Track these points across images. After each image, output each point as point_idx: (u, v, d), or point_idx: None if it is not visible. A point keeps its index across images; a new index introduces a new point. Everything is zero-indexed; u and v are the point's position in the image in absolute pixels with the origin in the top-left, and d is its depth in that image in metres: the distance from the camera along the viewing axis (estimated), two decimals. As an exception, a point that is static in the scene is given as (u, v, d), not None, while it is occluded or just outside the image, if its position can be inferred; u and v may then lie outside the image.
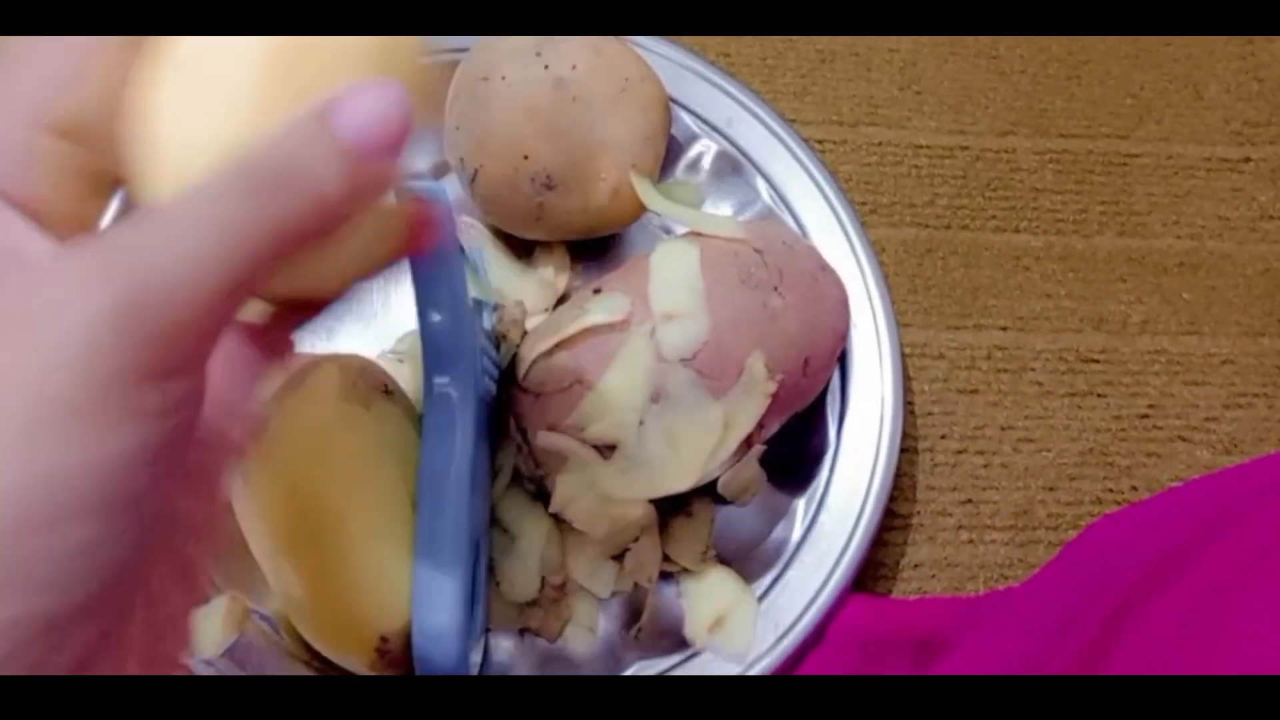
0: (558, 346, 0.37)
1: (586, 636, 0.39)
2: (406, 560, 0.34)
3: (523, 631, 0.39)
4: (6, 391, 0.18)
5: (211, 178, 0.19)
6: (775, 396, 0.38)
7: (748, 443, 0.38)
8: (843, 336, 0.41)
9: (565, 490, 0.37)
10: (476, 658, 0.37)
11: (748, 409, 0.37)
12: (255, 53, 0.20)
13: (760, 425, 0.38)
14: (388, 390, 0.37)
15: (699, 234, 0.40)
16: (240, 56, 0.20)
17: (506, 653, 0.39)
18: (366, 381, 0.36)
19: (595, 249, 0.46)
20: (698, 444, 0.37)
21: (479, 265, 0.41)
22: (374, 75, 0.20)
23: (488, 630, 0.39)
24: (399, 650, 0.34)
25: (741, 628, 0.38)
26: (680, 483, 0.37)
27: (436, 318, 0.35)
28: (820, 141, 0.50)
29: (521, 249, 0.45)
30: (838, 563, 0.40)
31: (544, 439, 0.37)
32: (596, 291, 0.39)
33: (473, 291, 0.36)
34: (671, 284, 0.38)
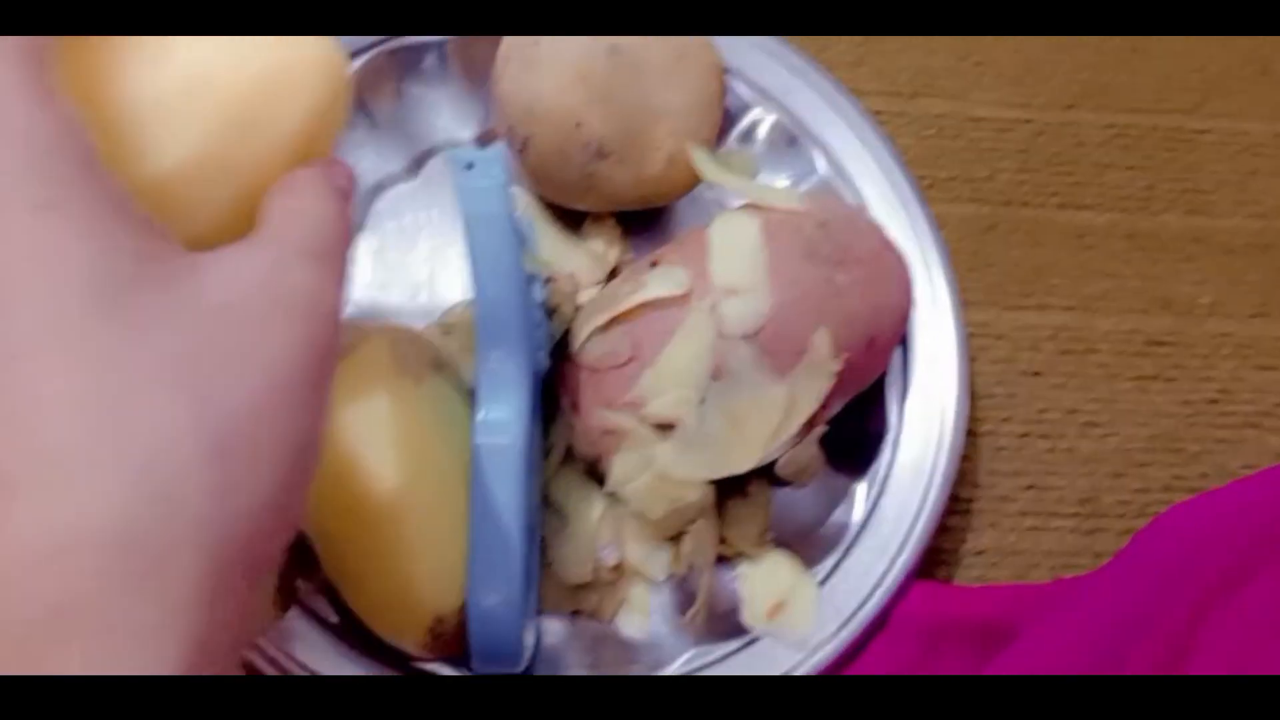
0: (614, 321, 0.36)
1: (640, 620, 0.38)
2: (461, 539, 0.33)
3: (574, 614, 0.38)
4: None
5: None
6: (839, 376, 0.36)
7: (810, 424, 0.37)
8: (907, 314, 0.40)
9: (622, 470, 0.36)
10: (530, 640, 0.35)
11: (812, 389, 0.36)
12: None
13: (823, 405, 0.37)
14: (438, 364, 0.36)
15: (758, 206, 0.39)
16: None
17: (557, 636, 0.38)
18: (417, 355, 0.35)
19: (645, 221, 0.44)
20: (760, 424, 0.35)
21: (529, 237, 0.39)
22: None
23: (539, 612, 0.37)
24: (452, 631, 0.33)
25: (803, 613, 0.37)
26: (741, 464, 0.36)
27: (491, 290, 0.33)
28: (877, 113, 0.48)
29: (570, 221, 0.43)
30: (901, 548, 0.38)
31: (600, 417, 0.36)
32: (653, 265, 0.37)
33: (525, 264, 0.35)
34: (732, 257, 0.36)
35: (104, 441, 0.19)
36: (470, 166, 0.32)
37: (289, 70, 0.25)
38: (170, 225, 0.22)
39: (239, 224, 0.24)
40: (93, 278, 0.20)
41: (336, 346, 0.23)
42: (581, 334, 0.36)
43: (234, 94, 0.24)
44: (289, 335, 0.22)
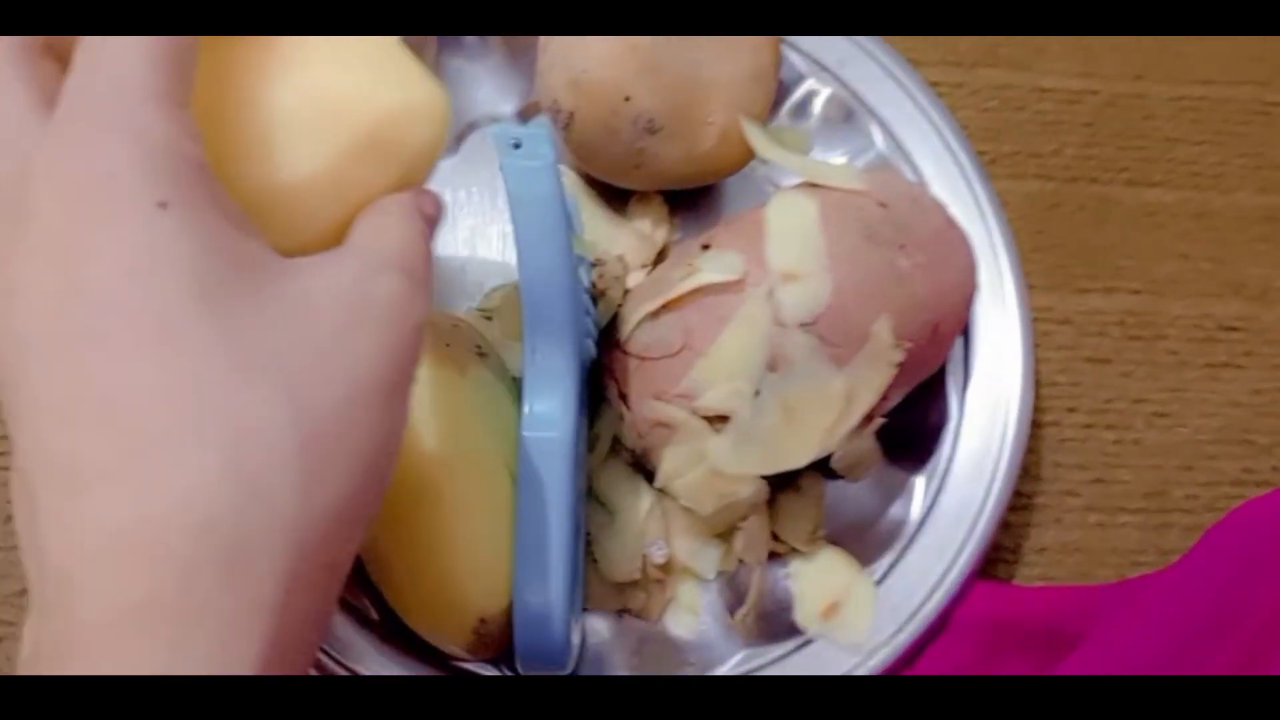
0: (664, 307, 0.34)
1: (688, 619, 0.36)
2: (507, 537, 0.32)
3: (620, 613, 0.36)
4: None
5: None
6: (901, 365, 0.34)
7: (869, 417, 0.35)
8: (971, 300, 0.38)
9: (672, 464, 0.34)
10: (576, 640, 0.34)
11: (872, 380, 0.34)
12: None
13: (884, 397, 0.35)
14: (481, 352, 0.34)
15: (815, 185, 0.36)
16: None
17: (602, 635, 0.36)
18: (460, 343, 0.33)
19: (692, 200, 0.42)
20: (817, 417, 0.34)
21: (576, 218, 0.38)
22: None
23: (584, 610, 0.36)
24: (497, 632, 0.32)
25: (859, 614, 0.36)
26: (798, 459, 0.34)
27: (539, 276, 0.31)
28: (936, 84, 0.46)
29: (614, 199, 0.41)
30: (962, 546, 0.37)
31: (650, 408, 0.34)
32: (705, 247, 0.35)
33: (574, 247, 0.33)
34: (790, 240, 0.34)
35: (197, 432, 0.20)
36: (517, 145, 0.30)
37: (410, 108, 0.27)
38: (275, 233, 0.24)
39: (333, 242, 0.25)
40: (195, 275, 0.21)
41: (418, 356, 0.24)
42: (630, 321, 0.35)
43: (363, 123, 0.26)
44: (376, 341, 0.23)
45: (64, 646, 0.20)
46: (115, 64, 0.22)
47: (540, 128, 0.31)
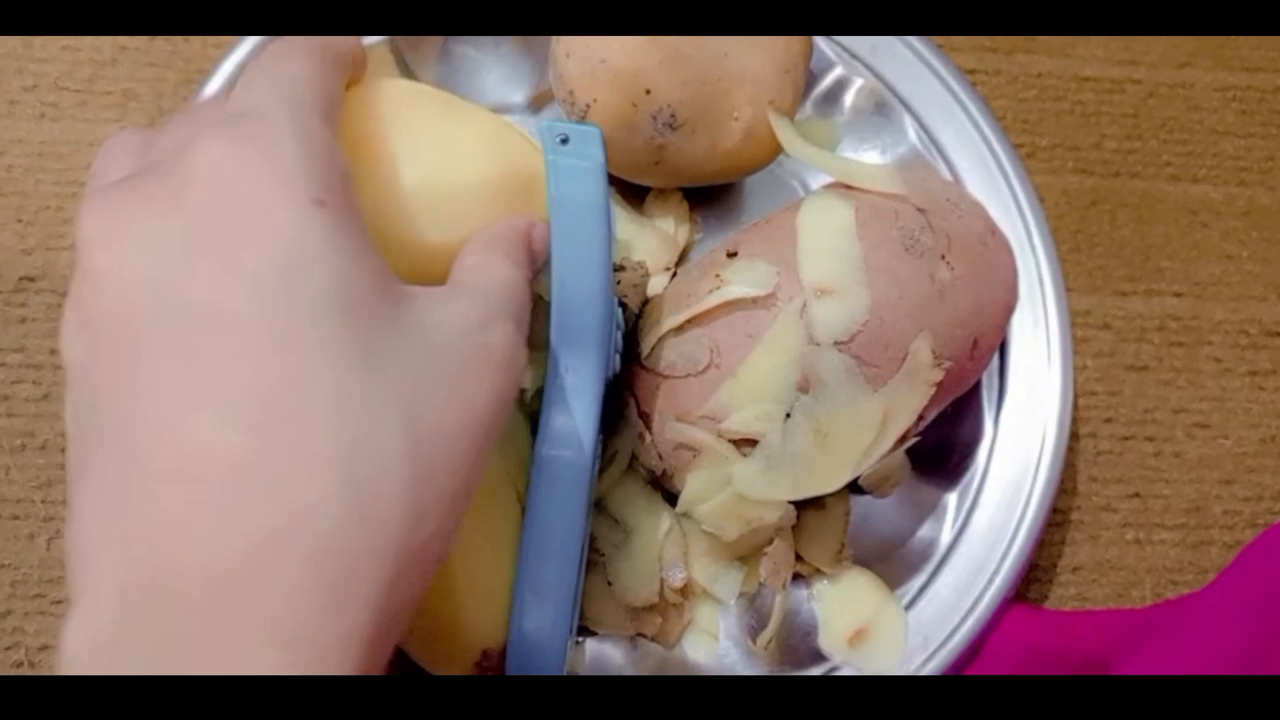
0: (690, 322, 0.32)
1: (708, 644, 0.35)
2: (511, 568, 0.30)
3: (636, 638, 0.35)
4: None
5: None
6: (939, 384, 0.32)
7: (902, 438, 0.33)
8: (1011, 311, 0.35)
9: (695, 489, 0.32)
10: (569, 659, 0.32)
11: (909, 401, 0.32)
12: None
13: (919, 417, 0.33)
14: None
15: (849, 187, 0.34)
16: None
17: (616, 661, 0.35)
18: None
19: (713, 197, 0.40)
20: (851, 441, 0.32)
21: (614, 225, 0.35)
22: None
23: (593, 635, 0.34)
24: (498, 667, 0.30)
25: (889, 641, 0.34)
26: (829, 484, 0.32)
27: (575, 285, 0.29)
28: (971, 72, 0.43)
29: (631, 196, 0.39)
30: (997, 570, 0.35)
31: (673, 429, 0.32)
32: (731, 255, 0.33)
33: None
34: (824, 251, 0.32)
35: (327, 447, 0.20)
36: (565, 141, 0.28)
37: (536, 175, 0.30)
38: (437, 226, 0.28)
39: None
40: (341, 283, 0.21)
41: (515, 395, 0.25)
42: (654, 336, 0.33)
43: (499, 193, 0.29)
44: (489, 385, 0.23)
45: (163, 646, 0.20)
46: (291, 69, 0.24)
47: (592, 126, 0.28)
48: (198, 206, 0.21)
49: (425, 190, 0.28)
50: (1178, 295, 0.42)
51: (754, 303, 0.32)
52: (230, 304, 0.21)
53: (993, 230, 0.35)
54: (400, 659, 0.32)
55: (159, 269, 0.21)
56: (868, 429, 0.32)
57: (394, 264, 0.29)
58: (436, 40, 0.39)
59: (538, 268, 0.29)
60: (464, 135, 0.29)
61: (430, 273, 0.29)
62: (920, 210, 0.33)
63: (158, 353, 0.21)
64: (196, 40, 0.40)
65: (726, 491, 0.32)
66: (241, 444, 0.20)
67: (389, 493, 0.21)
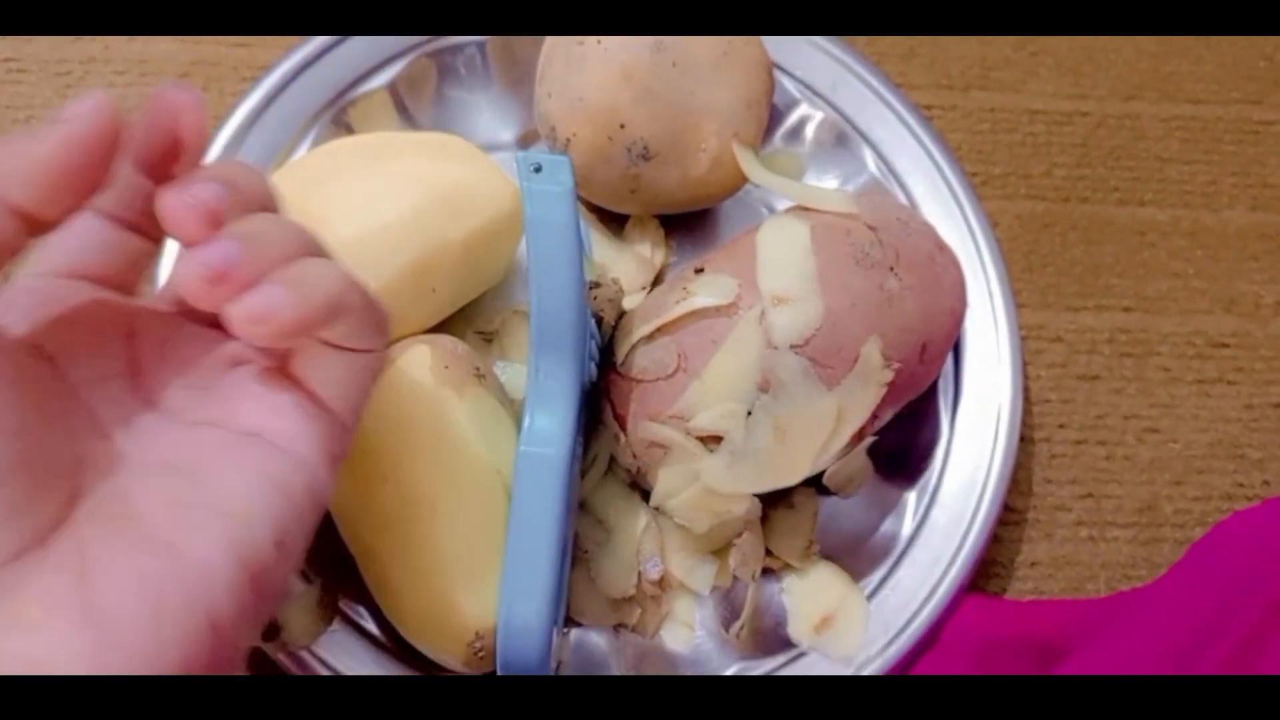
0: (659, 331, 0.35)
1: (684, 634, 0.37)
2: (500, 554, 0.33)
3: (617, 628, 0.37)
4: None
5: None
6: (891, 385, 0.35)
7: (859, 435, 0.36)
8: (960, 320, 0.38)
9: (667, 483, 0.35)
10: (556, 649, 0.35)
11: (862, 399, 0.35)
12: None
13: (874, 416, 0.36)
14: (479, 374, 0.35)
15: (807, 209, 0.37)
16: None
17: (600, 650, 0.37)
18: (458, 364, 0.34)
19: (689, 223, 0.43)
20: (808, 436, 0.35)
21: (587, 242, 0.39)
22: None
23: (579, 625, 0.37)
24: (494, 648, 0.33)
25: (851, 628, 0.36)
26: (789, 477, 0.35)
27: (551, 299, 0.32)
28: (928, 107, 0.47)
29: (612, 223, 0.42)
30: (952, 561, 0.37)
31: (645, 429, 0.35)
32: (698, 271, 0.36)
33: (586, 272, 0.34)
34: (781, 264, 0.35)
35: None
36: (538, 169, 0.31)
37: (475, 183, 0.37)
38: (365, 271, 0.29)
39: (411, 281, 0.35)
40: None
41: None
42: (627, 344, 0.36)
43: (420, 220, 0.35)
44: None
45: None
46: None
47: (562, 155, 0.31)
48: None
49: (355, 244, 0.33)
50: (1127, 310, 0.45)
51: (717, 311, 0.35)
52: None
53: (940, 246, 0.38)
54: (401, 645, 0.35)
55: None
56: (824, 425, 0.34)
57: None
58: (431, 86, 0.42)
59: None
60: (381, 181, 0.35)
61: None
62: (871, 228, 0.37)
63: None
64: (214, 89, 0.44)
65: (696, 486, 0.35)
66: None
67: None
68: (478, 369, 0.35)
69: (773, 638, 0.37)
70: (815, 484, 0.37)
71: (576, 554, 0.37)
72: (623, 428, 0.36)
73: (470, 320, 0.40)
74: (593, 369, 0.36)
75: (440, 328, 0.38)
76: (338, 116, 0.41)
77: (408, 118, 0.42)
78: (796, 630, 0.37)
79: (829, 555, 0.38)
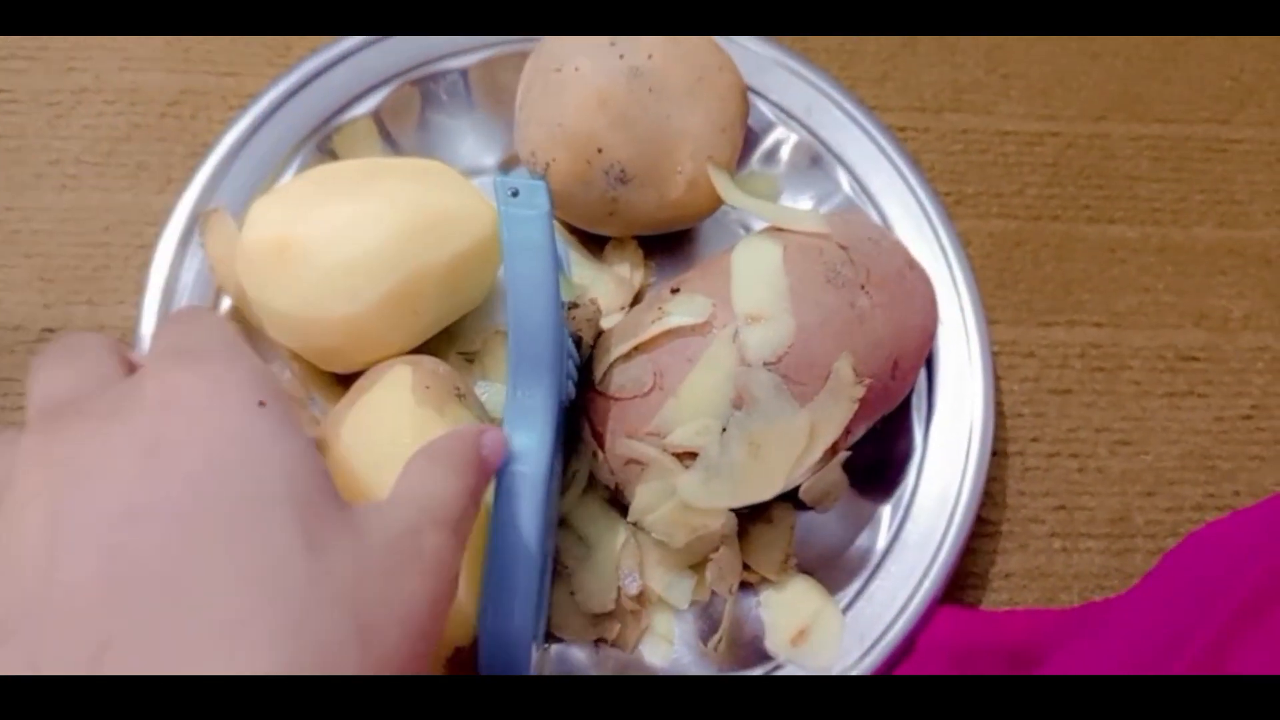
0: (636, 350, 0.36)
1: (664, 648, 0.38)
2: (479, 571, 0.33)
3: (598, 643, 0.38)
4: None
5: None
6: (863, 401, 0.36)
7: (833, 449, 0.37)
8: (931, 336, 0.39)
9: (644, 499, 0.36)
10: (536, 661, 0.35)
11: (834, 415, 0.36)
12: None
13: (846, 431, 0.36)
14: (459, 393, 0.36)
15: (780, 229, 0.38)
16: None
17: (580, 665, 0.38)
18: (439, 385, 0.35)
19: (668, 244, 0.44)
20: (782, 451, 0.35)
21: (565, 263, 0.39)
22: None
23: (559, 640, 0.38)
24: (470, 664, 0.33)
25: (826, 640, 0.37)
26: (764, 492, 0.36)
27: (529, 319, 0.33)
28: (902, 129, 0.48)
29: (592, 245, 0.43)
30: (926, 573, 0.38)
31: (623, 446, 0.36)
32: (674, 291, 0.37)
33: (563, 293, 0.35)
34: (754, 284, 0.36)
35: (262, 636, 0.22)
36: (515, 194, 0.32)
37: (460, 209, 0.38)
38: (345, 299, 0.35)
39: (394, 308, 0.36)
40: (289, 477, 0.24)
41: (453, 597, 0.27)
42: (604, 363, 0.36)
43: (404, 245, 0.36)
44: (421, 584, 0.25)
45: None
46: (208, 318, 0.28)
47: (538, 180, 0.32)
48: (151, 419, 0.23)
49: (340, 268, 0.35)
50: (1098, 325, 0.45)
51: (692, 330, 0.36)
52: (182, 502, 0.22)
53: (911, 264, 0.39)
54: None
55: (120, 474, 0.23)
56: (797, 440, 0.35)
57: (326, 340, 0.37)
58: (415, 112, 0.43)
59: (490, 473, 0.31)
60: (365, 206, 0.36)
61: (358, 339, 0.36)
62: (843, 247, 0.38)
63: (73, 551, 0.22)
64: (203, 117, 0.45)
65: (673, 501, 0.36)
66: (161, 634, 0.21)
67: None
68: (458, 389, 0.36)
69: (750, 650, 0.38)
70: (792, 498, 0.38)
71: (557, 570, 0.38)
72: (601, 445, 0.37)
73: (453, 341, 0.41)
74: (571, 388, 0.37)
75: (423, 348, 0.39)
76: (322, 143, 0.42)
77: (391, 144, 0.43)
78: (774, 643, 0.37)
79: (805, 569, 0.39)
